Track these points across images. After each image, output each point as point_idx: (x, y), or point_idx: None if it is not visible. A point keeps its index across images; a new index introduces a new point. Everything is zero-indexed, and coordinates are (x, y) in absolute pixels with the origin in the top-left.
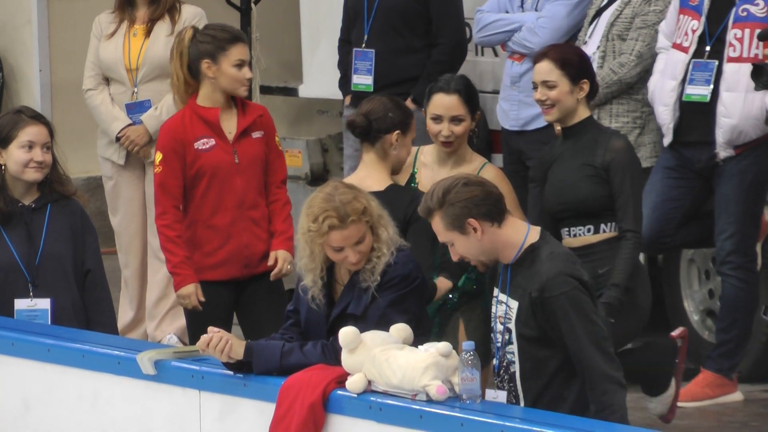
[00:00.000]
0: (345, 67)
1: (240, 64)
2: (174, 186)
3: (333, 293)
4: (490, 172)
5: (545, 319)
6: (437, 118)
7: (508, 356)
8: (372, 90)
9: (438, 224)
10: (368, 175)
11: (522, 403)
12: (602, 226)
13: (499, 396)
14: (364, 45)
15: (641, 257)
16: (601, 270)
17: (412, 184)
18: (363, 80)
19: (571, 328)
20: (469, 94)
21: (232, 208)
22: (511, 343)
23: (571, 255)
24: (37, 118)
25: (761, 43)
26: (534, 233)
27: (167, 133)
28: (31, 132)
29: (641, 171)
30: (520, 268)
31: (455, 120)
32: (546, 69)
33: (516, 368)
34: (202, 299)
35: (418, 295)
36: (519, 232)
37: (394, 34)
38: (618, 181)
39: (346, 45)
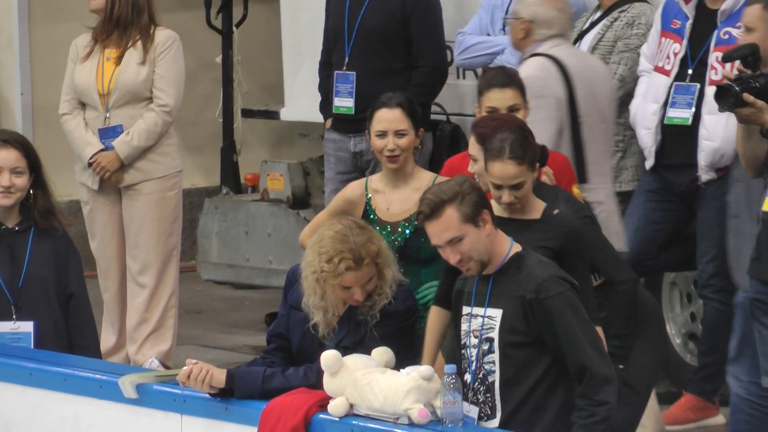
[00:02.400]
0: (326, 90)
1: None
2: None
3: None
4: None
5: (541, 321)
6: (382, 134)
7: (486, 367)
8: (353, 113)
9: (451, 218)
10: None
11: (499, 413)
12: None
13: (471, 411)
14: (344, 67)
15: None
16: (601, 314)
17: (369, 213)
18: (344, 103)
19: (569, 328)
20: (412, 109)
21: None
22: (492, 352)
23: (557, 265)
24: (9, 142)
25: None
26: (517, 245)
27: (449, 170)
28: None
29: (595, 225)
30: (503, 277)
31: (399, 134)
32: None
33: (496, 377)
34: None
35: (412, 328)
36: (505, 241)
37: (374, 56)
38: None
39: (326, 68)
